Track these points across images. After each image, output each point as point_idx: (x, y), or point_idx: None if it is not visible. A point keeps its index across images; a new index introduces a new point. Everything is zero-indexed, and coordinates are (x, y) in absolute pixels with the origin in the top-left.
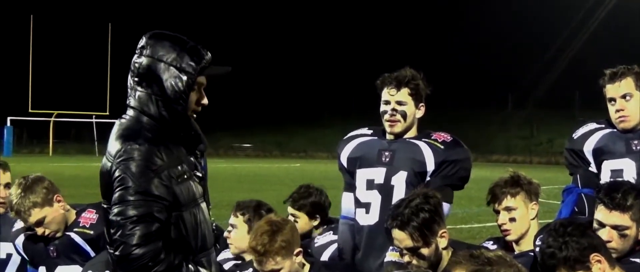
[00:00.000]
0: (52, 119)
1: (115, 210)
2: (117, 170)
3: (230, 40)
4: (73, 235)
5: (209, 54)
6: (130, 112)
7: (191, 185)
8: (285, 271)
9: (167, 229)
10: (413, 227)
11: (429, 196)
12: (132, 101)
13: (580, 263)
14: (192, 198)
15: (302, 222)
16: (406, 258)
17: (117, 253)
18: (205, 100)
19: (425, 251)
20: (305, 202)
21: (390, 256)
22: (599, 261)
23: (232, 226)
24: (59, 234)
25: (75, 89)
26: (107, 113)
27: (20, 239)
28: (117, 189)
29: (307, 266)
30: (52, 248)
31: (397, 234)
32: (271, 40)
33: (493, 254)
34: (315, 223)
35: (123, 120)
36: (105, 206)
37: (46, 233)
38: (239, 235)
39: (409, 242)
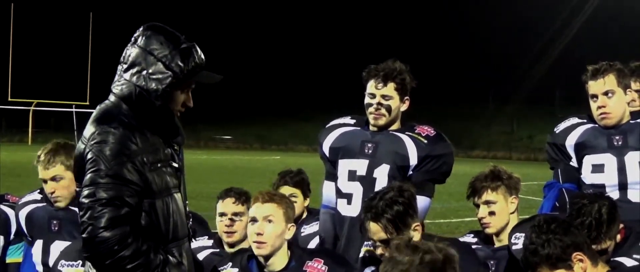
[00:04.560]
0: (32, 107)
1: (86, 192)
2: (90, 152)
3: (212, 33)
4: None
5: (203, 58)
6: (111, 98)
7: (165, 174)
8: None
9: (137, 214)
10: (387, 220)
11: (403, 189)
12: (115, 88)
13: (562, 261)
14: (165, 187)
15: (299, 201)
16: (379, 251)
17: (84, 235)
18: (190, 103)
19: None
20: (299, 178)
21: (366, 251)
22: (581, 260)
23: (237, 214)
24: (61, 204)
25: (55, 79)
26: (87, 103)
27: (25, 211)
28: (88, 172)
29: (288, 254)
30: (55, 222)
31: (371, 226)
32: (253, 34)
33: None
34: (306, 204)
35: (102, 106)
36: (79, 188)
37: (54, 193)
38: (244, 223)
39: (382, 235)
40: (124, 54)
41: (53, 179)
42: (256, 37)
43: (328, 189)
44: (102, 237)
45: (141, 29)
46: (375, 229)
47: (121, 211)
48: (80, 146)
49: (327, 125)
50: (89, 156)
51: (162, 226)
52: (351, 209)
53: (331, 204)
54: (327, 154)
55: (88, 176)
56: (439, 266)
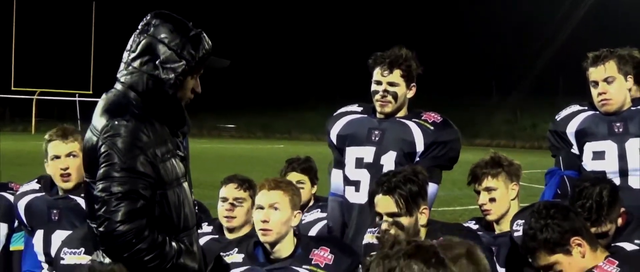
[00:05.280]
0: (35, 97)
1: (100, 186)
2: (103, 145)
3: (216, 22)
4: (79, 200)
5: (210, 44)
6: (118, 87)
7: (175, 164)
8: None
9: (151, 206)
10: (399, 195)
11: (417, 172)
12: (123, 77)
13: (560, 246)
14: (175, 177)
15: (306, 188)
16: (384, 225)
17: (101, 229)
18: (199, 89)
19: (405, 221)
20: (307, 165)
21: (368, 238)
22: (579, 245)
23: (238, 199)
24: (69, 184)
25: (58, 68)
26: (91, 92)
27: (24, 201)
28: (102, 165)
29: (295, 241)
30: (55, 211)
31: (381, 199)
32: (257, 22)
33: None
34: (314, 191)
35: (109, 95)
36: (87, 180)
37: (67, 169)
38: (245, 209)
39: (392, 208)
40: (131, 43)
41: (69, 154)
42: (260, 25)
43: (336, 177)
44: (120, 231)
45: (148, 17)
46: (386, 202)
47: (137, 204)
48: (91, 137)
49: (335, 114)
50: (103, 149)
51: (173, 216)
52: (359, 196)
53: (339, 191)
54: (335, 142)
55: (102, 170)
56: None
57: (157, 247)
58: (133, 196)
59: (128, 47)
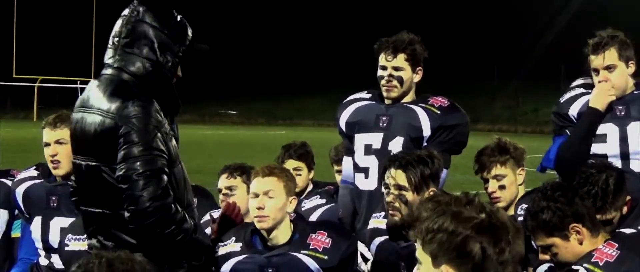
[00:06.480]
0: (37, 84)
1: (125, 166)
2: (123, 127)
3: (217, 8)
4: None
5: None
6: (111, 72)
7: (175, 143)
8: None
9: (171, 183)
10: (412, 172)
11: (433, 156)
12: (116, 62)
13: (558, 230)
14: (176, 155)
15: (304, 174)
16: (390, 198)
17: (131, 208)
18: (180, 73)
19: (410, 196)
20: (304, 151)
21: (374, 223)
22: (578, 232)
23: (231, 188)
24: (60, 171)
25: (59, 55)
26: (92, 79)
27: (22, 188)
28: (123, 146)
29: (291, 227)
30: (53, 198)
31: (394, 172)
32: (258, 8)
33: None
34: (311, 176)
35: (105, 78)
36: (95, 164)
37: (56, 156)
38: (240, 196)
39: (403, 181)
40: (119, 29)
41: (58, 141)
42: (262, 12)
43: (347, 165)
44: (152, 208)
45: (135, 3)
46: (398, 174)
47: (163, 182)
48: (103, 120)
49: (344, 101)
50: (122, 130)
51: (181, 193)
52: (368, 183)
53: (350, 179)
54: (344, 129)
55: (124, 151)
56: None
57: (180, 223)
58: (158, 173)
59: (115, 33)
